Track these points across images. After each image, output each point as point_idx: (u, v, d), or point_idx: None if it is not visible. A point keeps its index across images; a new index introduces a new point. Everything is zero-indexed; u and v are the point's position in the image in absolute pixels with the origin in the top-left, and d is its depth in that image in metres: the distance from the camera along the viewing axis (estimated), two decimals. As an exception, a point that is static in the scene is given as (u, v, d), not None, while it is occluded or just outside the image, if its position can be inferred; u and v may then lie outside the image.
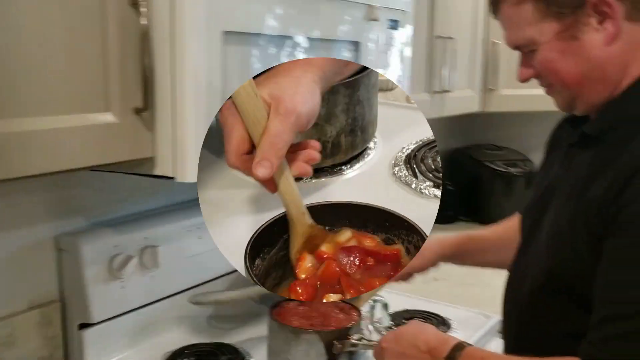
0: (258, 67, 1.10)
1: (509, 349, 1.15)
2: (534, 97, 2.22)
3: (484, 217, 2.52)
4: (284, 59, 1.15)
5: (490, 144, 2.70)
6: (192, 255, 1.43)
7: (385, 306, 1.42)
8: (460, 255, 1.38)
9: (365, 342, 1.18)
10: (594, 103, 0.97)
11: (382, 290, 1.38)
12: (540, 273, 0.99)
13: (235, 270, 1.53)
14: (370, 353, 1.18)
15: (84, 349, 1.24)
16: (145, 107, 0.97)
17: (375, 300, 1.37)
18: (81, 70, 0.90)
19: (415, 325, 1.14)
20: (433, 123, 2.58)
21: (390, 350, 1.09)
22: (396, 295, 1.48)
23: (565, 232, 0.94)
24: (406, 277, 1.33)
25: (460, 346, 1.00)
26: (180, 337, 1.39)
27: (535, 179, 1.20)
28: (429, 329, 1.11)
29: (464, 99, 2.11)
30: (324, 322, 1.20)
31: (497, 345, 1.53)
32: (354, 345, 1.16)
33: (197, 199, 1.55)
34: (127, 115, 0.96)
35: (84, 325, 1.24)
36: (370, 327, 1.37)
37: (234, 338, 1.41)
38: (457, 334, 1.45)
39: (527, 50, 0.97)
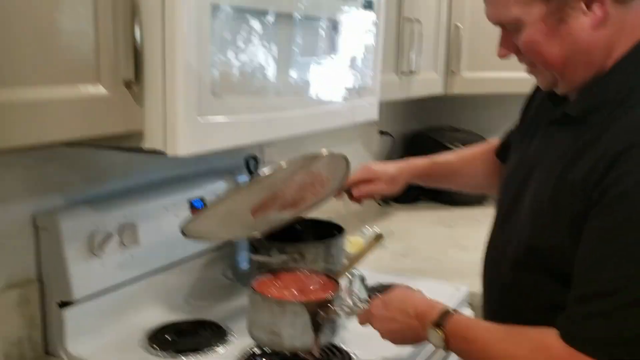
0: (244, 40, 1.10)
1: (488, 318, 1.20)
2: (495, 79, 2.32)
3: (444, 197, 2.59)
4: (268, 33, 1.16)
5: (449, 125, 2.77)
6: (171, 233, 1.43)
7: (362, 279, 1.45)
8: (427, 178, 1.48)
9: (347, 309, 1.20)
10: (577, 84, 0.97)
11: (357, 266, 1.42)
12: (521, 248, 1.01)
13: (210, 250, 1.55)
14: (352, 320, 1.21)
15: (63, 327, 1.23)
16: (136, 80, 0.97)
17: (352, 274, 1.39)
18: (71, 41, 0.89)
19: (402, 290, 1.16)
20: (400, 104, 2.65)
21: (380, 316, 1.12)
22: (367, 272, 1.52)
23: (546, 210, 0.95)
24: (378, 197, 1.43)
25: (447, 312, 1.03)
26: (160, 315, 1.39)
27: (513, 145, 1.21)
28: (416, 294, 1.15)
29: (428, 81, 2.16)
30: (303, 294, 1.22)
31: (467, 315, 1.60)
32: (337, 313, 1.18)
33: (174, 177, 1.55)
34: (118, 88, 0.96)
35: (64, 304, 1.23)
36: (349, 300, 1.40)
37: (213, 314, 1.42)
38: (431, 305, 1.50)
39: (510, 29, 0.97)
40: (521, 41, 0.95)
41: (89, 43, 0.91)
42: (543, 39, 0.93)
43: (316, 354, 1.17)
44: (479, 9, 2.51)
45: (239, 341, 1.30)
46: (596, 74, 0.95)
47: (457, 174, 1.48)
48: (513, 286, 1.08)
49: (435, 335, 1.02)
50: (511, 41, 0.98)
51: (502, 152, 1.33)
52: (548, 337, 0.91)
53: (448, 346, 1.01)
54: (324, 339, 1.18)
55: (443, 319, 1.02)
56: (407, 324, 1.08)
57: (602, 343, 0.86)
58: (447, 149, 2.57)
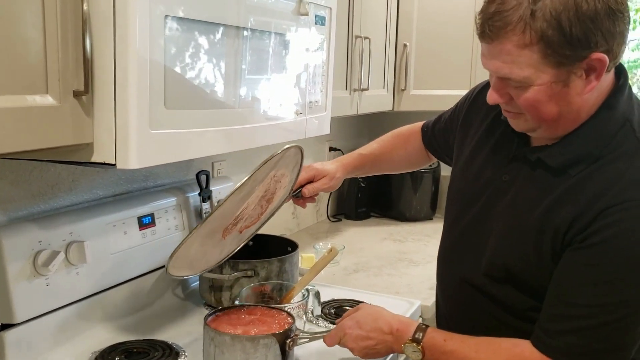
0: (197, 53, 1.09)
1: (444, 325, 1.23)
2: (440, 97, 2.38)
3: (394, 212, 2.62)
4: (221, 46, 1.15)
5: (397, 143, 2.80)
6: (119, 251, 1.39)
7: (317, 294, 1.44)
8: (359, 171, 1.59)
9: (312, 334, 1.21)
10: (556, 134, 1.05)
11: (311, 282, 1.42)
12: (492, 265, 1.12)
13: (161, 267, 1.51)
14: (315, 343, 1.21)
15: (5, 351, 1.17)
16: (85, 91, 0.94)
17: (307, 290, 1.39)
18: (17, 50, 0.86)
19: (369, 308, 1.21)
20: (350, 120, 2.67)
21: (354, 335, 1.16)
22: (320, 287, 1.51)
23: (530, 248, 1.06)
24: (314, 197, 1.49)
25: (422, 327, 1.11)
26: (108, 335, 1.34)
27: (457, 142, 1.30)
28: (385, 311, 1.19)
29: (378, 98, 2.19)
30: (260, 325, 1.19)
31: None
32: (303, 338, 1.18)
33: (123, 193, 1.51)
34: (66, 98, 0.93)
35: (5, 326, 1.17)
36: (304, 317, 1.39)
37: (164, 334, 1.38)
38: (385, 319, 1.51)
39: (514, 84, 0.99)
40: (523, 98, 0.99)
41: (37, 52, 0.88)
42: (545, 100, 0.98)
43: None
44: (426, 28, 2.58)
45: (192, 360, 1.26)
46: (571, 127, 1.03)
47: (383, 160, 1.60)
48: (475, 296, 1.16)
49: (413, 349, 1.10)
50: (506, 91, 1.02)
51: (428, 140, 1.52)
52: (522, 347, 1.03)
53: (424, 358, 1.10)
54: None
55: (419, 333, 1.11)
56: (381, 340, 1.14)
57: (574, 353, 0.99)
58: (396, 165, 2.61)
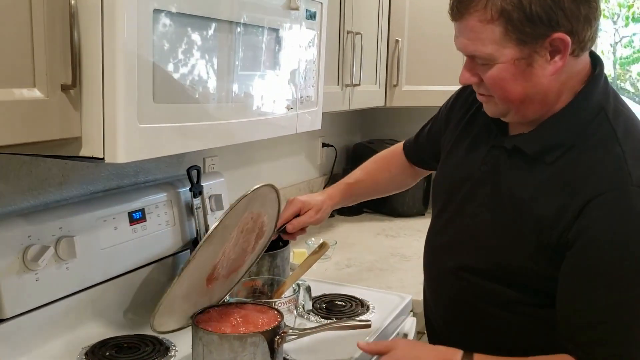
0: (186, 47, 1.09)
1: (436, 320, 1.23)
2: (432, 92, 2.38)
3: (386, 208, 2.62)
4: (210, 41, 1.15)
5: (390, 138, 2.81)
6: (109, 246, 1.39)
7: (308, 289, 1.45)
8: (347, 200, 1.58)
9: (300, 330, 1.21)
10: (527, 118, 1.07)
11: (303, 277, 1.42)
12: (476, 256, 1.13)
13: (152, 262, 1.51)
14: (305, 339, 1.21)
15: (-6, 346, 1.16)
16: (73, 84, 0.94)
17: (298, 285, 1.39)
18: (5, 44, 0.85)
19: (407, 346, 1.18)
20: (342, 116, 2.67)
21: (405, 351, 1.14)
22: (312, 282, 1.52)
23: (510, 236, 1.07)
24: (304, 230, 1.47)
25: (468, 355, 1.08)
26: (98, 330, 1.34)
27: (444, 146, 1.31)
28: (424, 348, 1.18)
29: (369, 94, 2.19)
30: (249, 322, 1.19)
31: (411, 323, 1.62)
32: (291, 335, 1.18)
33: (113, 188, 1.51)
34: (54, 92, 0.92)
35: (-5, 322, 1.17)
36: (295, 312, 1.39)
37: (154, 329, 1.38)
38: (376, 314, 1.51)
39: (480, 62, 1.03)
40: (488, 75, 1.03)
41: (24, 45, 0.88)
42: (510, 78, 1.01)
43: None
44: (418, 24, 2.59)
45: (181, 356, 1.26)
46: (546, 113, 1.06)
47: (369, 186, 1.59)
48: (464, 290, 1.16)
49: None
50: (476, 71, 1.05)
51: (413, 154, 1.52)
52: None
53: None
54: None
55: (466, 358, 1.08)
56: None
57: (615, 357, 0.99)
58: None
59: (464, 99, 1.28)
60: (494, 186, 1.11)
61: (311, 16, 1.50)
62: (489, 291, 1.12)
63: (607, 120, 1.03)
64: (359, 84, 2.03)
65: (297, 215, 1.45)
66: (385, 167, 1.59)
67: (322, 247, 1.46)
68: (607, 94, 1.06)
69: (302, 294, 1.42)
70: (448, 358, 1.09)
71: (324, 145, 2.54)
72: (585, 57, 1.05)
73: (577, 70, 1.04)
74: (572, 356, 1.01)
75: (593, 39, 1.02)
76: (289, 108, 1.46)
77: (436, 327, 1.30)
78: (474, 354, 1.08)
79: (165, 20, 1.03)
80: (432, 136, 1.43)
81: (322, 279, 1.75)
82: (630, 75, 4.01)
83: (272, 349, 1.12)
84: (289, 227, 1.43)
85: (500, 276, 1.10)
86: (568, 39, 0.97)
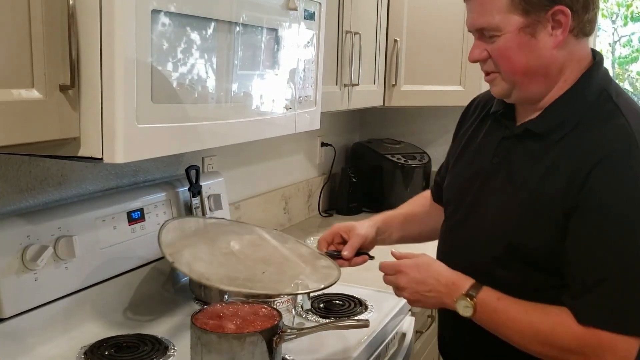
0: (185, 47, 1.09)
1: (447, 314, 1.23)
2: (430, 92, 2.39)
3: (386, 207, 2.61)
4: (209, 41, 1.15)
5: (388, 138, 2.82)
6: (108, 246, 1.39)
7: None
8: (384, 226, 1.45)
9: (299, 330, 1.20)
10: (530, 95, 1.12)
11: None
12: (497, 246, 1.14)
13: (151, 262, 1.51)
14: (304, 338, 1.21)
15: (-6, 346, 1.17)
16: (72, 84, 0.94)
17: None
18: (3, 44, 0.86)
19: (430, 258, 1.22)
20: (341, 116, 2.68)
21: (410, 276, 1.18)
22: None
23: (527, 216, 1.09)
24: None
25: (477, 285, 1.13)
26: (98, 330, 1.34)
27: (452, 162, 1.32)
28: (445, 267, 1.19)
29: (368, 93, 2.19)
30: (248, 322, 1.19)
31: (409, 322, 1.62)
32: (289, 334, 1.18)
33: (112, 188, 1.51)
34: (53, 92, 0.93)
35: (-6, 321, 1.17)
36: (293, 311, 1.39)
37: (153, 329, 1.38)
38: (374, 313, 1.52)
39: (488, 35, 1.10)
40: (495, 47, 1.10)
41: (22, 46, 0.88)
42: (515, 48, 1.08)
43: None
44: (416, 24, 2.59)
45: (180, 356, 1.26)
46: (549, 90, 1.12)
47: (408, 216, 1.50)
48: (486, 278, 1.15)
49: (465, 304, 1.12)
50: (484, 47, 1.12)
51: (438, 194, 1.42)
52: (567, 316, 1.05)
53: (475, 315, 1.11)
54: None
55: (474, 289, 1.12)
56: (435, 289, 1.16)
57: (615, 314, 1.02)
58: (386, 160, 2.62)
59: (471, 112, 1.33)
60: (506, 174, 1.15)
61: (310, 16, 1.50)
62: (513, 282, 1.12)
63: (610, 99, 1.09)
64: (358, 84, 2.03)
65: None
66: (419, 202, 1.52)
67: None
68: (608, 78, 1.13)
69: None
70: (456, 286, 1.13)
71: (322, 144, 2.54)
72: (586, 45, 1.12)
73: (579, 55, 1.11)
74: (573, 312, 1.04)
75: (591, 24, 1.09)
76: (287, 108, 1.47)
77: (455, 324, 1.24)
78: (483, 286, 1.12)
79: (163, 20, 1.04)
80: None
81: (320, 279, 1.75)
82: (629, 75, 4.01)
83: (271, 349, 1.13)
84: (345, 254, 1.34)
85: (523, 264, 1.11)
86: (568, 11, 1.05)
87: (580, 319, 1.04)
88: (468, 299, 1.11)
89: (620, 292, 1.03)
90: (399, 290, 1.22)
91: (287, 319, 1.26)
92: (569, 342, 1.05)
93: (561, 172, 1.07)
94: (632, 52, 3.90)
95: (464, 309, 1.12)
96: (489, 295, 1.11)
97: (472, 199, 1.21)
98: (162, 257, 1.53)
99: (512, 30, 1.07)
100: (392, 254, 1.26)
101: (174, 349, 1.29)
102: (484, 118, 1.27)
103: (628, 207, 1.01)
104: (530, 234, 1.09)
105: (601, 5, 1.25)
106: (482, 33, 1.11)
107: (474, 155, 1.24)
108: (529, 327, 1.08)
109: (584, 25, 1.09)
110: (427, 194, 1.51)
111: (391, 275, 1.22)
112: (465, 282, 1.13)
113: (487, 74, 1.15)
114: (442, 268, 1.19)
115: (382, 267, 1.24)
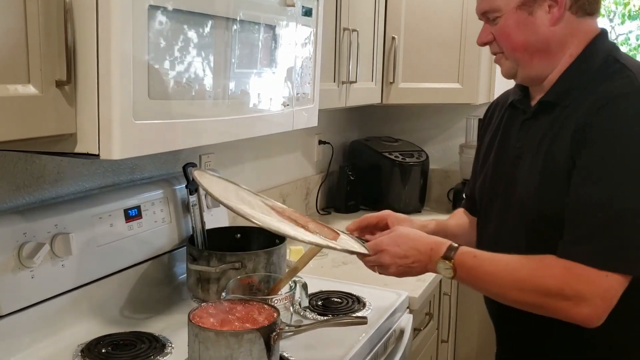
0: (182, 44, 1.09)
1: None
2: (428, 90, 2.38)
3: (383, 205, 2.61)
4: (205, 37, 1.15)
5: (386, 135, 2.81)
6: (105, 243, 1.38)
7: (304, 286, 1.45)
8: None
9: (297, 327, 1.21)
10: (534, 72, 1.17)
11: (299, 274, 1.42)
12: (530, 219, 1.15)
13: (148, 260, 1.51)
14: (301, 336, 1.21)
15: (-10, 344, 1.16)
16: (68, 80, 0.93)
17: (295, 281, 1.39)
18: (-1, 39, 0.85)
19: (406, 229, 1.26)
20: (339, 113, 2.67)
21: (392, 252, 1.20)
22: (308, 279, 1.52)
23: (545, 181, 1.11)
24: None
25: (454, 246, 1.17)
26: (95, 328, 1.34)
27: (485, 158, 1.34)
28: (422, 234, 1.23)
29: (366, 91, 2.19)
30: (246, 319, 1.19)
31: (407, 319, 1.62)
32: (287, 331, 1.18)
33: (109, 185, 1.51)
34: (49, 88, 0.92)
35: (-10, 319, 1.16)
36: (291, 309, 1.39)
37: (150, 326, 1.38)
38: (372, 311, 1.51)
39: (492, 17, 1.17)
40: (497, 28, 1.17)
41: (18, 41, 0.87)
42: (513, 26, 1.15)
43: None
44: (414, 21, 2.59)
45: (178, 353, 1.26)
46: (552, 67, 1.16)
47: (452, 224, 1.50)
48: (523, 244, 1.17)
49: (445, 266, 1.15)
50: (489, 31, 1.20)
51: (471, 206, 1.43)
52: (549, 257, 1.06)
53: (455, 275, 1.15)
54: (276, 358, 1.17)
55: (451, 251, 1.15)
56: (417, 259, 1.19)
57: (597, 251, 1.01)
58: (385, 158, 2.61)
59: (489, 115, 1.38)
60: (531, 151, 1.17)
61: (307, 13, 1.50)
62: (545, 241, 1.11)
63: (617, 60, 1.13)
64: (356, 81, 2.03)
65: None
66: (461, 226, 1.49)
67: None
68: (613, 46, 1.17)
69: (298, 290, 1.42)
70: (434, 251, 1.16)
71: (320, 142, 2.54)
72: (591, 23, 1.16)
73: (583, 31, 1.15)
74: (558, 253, 1.04)
75: (592, 4, 1.14)
76: (285, 105, 1.46)
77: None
78: (460, 246, 1.16)
79: (160, 16, 1.03)
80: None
81: (318, 276, 1.75)
82: (627, 73, 4.02)
83: (269, 346, 1.12)
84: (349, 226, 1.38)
85: (558, 230, 1.09)
86: None
87: (561, 254, 1.04)
88: (447, 261, 1.14)
89: (607, 228, 1.01)
90: (383, 269, 1.23)
91: (285, 317, 1.26)
92: (548, 283, 1.04)
93: (569, 127, 1.09)
94: (630, 50, 3.90)
95: (445, 270, 1.15)
96: (465, 253, 1.14)
97: (504, 185, 1.23)
98: (159, 255, 1.54)
99: (510, 10, 1.13)
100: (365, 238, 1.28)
101: (171, 346, 1.29)
102: (504, 113, 1.31)
103: (628, 145, 1.02)
104: (551, 197, 1.10)
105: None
106: (487, 17, 1.18)
107: (499, 146, 1.28)
108: (508, 276, 1.09)
109: (583, 2, 1.13)
110: (459, 212, 1.50)
111: (373, 256, 1.23)
112: (442, 245, 1.16)
113: (494, 55, 1.22)
114: (417, 235, 1.22)
115: (371, 251, 1.24)
